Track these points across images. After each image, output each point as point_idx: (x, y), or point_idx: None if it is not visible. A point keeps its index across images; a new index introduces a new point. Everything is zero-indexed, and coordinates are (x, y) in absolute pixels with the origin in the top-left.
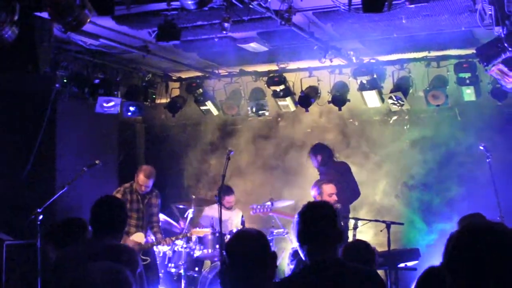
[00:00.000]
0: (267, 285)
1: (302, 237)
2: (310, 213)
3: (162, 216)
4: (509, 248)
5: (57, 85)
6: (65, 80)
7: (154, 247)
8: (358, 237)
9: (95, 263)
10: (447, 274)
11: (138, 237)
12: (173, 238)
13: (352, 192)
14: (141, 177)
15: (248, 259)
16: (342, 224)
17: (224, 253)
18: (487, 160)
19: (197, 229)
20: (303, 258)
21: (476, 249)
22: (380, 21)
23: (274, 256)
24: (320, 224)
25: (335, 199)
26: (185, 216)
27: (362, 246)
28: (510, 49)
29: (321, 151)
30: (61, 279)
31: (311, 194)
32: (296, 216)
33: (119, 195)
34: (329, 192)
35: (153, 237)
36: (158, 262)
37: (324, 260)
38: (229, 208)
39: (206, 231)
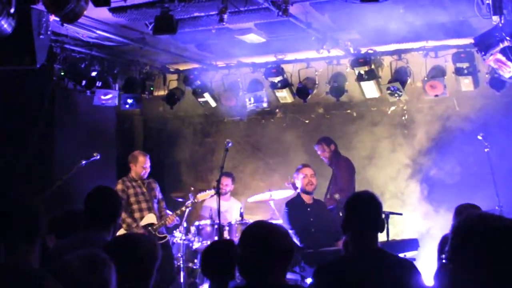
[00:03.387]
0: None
1: (345, 225)
2: (355, 202)
3: None
4: None
5: (54, 78)
6: (62, 73)
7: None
8: None
9: (75, 251)
10: (454, 264)
11: (150, 218)
12: (178, 212)
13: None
14: (140, 159)
15: (282, 256)
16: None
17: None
18: (486, 150)
19: (201, 193)
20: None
21: (489, 236)
22: (378, 11)
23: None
24: (363, 213)
25: (311, 179)
26: (192, 196)
27: None
28: (507, 38)
29: (332, 141)
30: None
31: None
32: (284, 206)
33: (119, 186)
34: (305, 173)
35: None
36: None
37: (366, 249)
38: (224, 194)
39: (211, 192)
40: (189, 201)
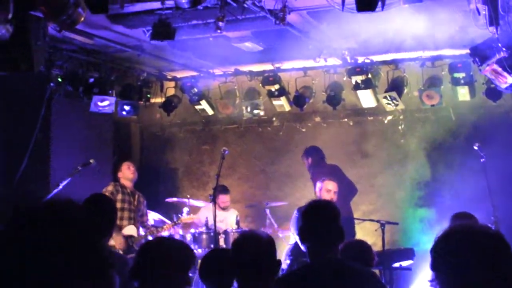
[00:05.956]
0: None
1: (303, 235)
2: (311, 211)
3: (156, 215)
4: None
5: (51, 84)
6: (59, 79)
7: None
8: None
9: None
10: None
11: (130, 230)
12: (165, 227)
13: (349, 189)
14: (123, 164)
15: (256, 262)
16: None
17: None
18: (481, 160)
19: (185, 216)
20: (306, 255)
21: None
22: (375, 20)
23: (279, 264)
24: (322, 222)
25: (332, 197)
26: (180, 215)
27: (363, 245)
28: (504, 49)
29: (311, 153)
30: None
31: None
32: (295, 211)
33: (110, 187)
34: (327, 188)
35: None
36: None
37: (324, 260)
38: (224, 209)
39: (194, 218)
40: (172, 222)
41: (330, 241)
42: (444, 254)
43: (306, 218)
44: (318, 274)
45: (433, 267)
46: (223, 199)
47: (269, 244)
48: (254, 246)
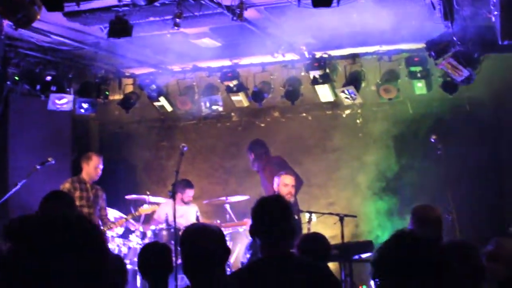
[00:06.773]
0: (220, 279)
1: (253, 231)
2: (261, 207)
3: (116, 213)
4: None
5: (8, 83)
6: (16, 78)
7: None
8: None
9: None
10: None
11: None
12: (123, 220)
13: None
14: (94, 158)
15: (203, 253)
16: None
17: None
18: (438, 152)
19: (144, 207)
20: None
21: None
22: (332, 15)
23: (228, 252)
24: (271, 218)
25: (290, 190)
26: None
27: (318, 238)
28: (459, 42)
29: (253, 148)
30: None
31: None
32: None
33: (67, 185)
34: (285, 182)
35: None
36: None
37: (274, 255)
38: (186, 203)
39: (154, 208)
40: (129, 214)
41: (280, 236)
42: (378, 267)
43: (255, 214)
44: (267, 269)
45: (372, 277)
46: (189, 193)
47: (217, 234)
48: (201, 238)
